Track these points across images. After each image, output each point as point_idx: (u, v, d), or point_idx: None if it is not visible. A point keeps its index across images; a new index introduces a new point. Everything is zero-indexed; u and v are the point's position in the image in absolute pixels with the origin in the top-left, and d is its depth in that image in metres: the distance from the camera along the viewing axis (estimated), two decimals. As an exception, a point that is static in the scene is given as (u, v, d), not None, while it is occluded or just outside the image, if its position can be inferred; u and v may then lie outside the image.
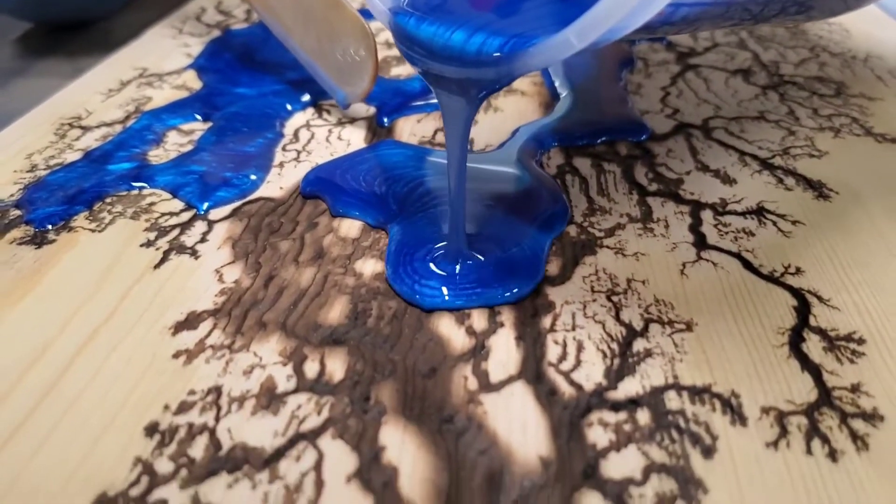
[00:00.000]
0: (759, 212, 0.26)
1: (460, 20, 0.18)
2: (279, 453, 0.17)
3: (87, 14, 0.46)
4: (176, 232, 0.24)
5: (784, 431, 0.17)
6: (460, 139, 0.20)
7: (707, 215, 0.25)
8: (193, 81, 0.35)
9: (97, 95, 0.34)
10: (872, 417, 0.18)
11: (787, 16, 0.22)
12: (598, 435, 0.17)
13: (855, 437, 0.17)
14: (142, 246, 0.24)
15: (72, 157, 0.29)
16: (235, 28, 0.42)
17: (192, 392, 0.18)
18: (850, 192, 0.27)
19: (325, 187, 0.26)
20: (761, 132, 0.31)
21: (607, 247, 0.24)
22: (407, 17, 0.19)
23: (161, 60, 0.38)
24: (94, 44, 0.45)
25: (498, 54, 0.17)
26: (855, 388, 0.18)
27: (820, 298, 0.21)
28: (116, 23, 0.50)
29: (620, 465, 0.16)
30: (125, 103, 0.33)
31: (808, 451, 0.17)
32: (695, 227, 0.25)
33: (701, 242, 0.24)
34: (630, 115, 0.32)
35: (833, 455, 0.17)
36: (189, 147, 0.30)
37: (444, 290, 0.21)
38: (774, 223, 0.25)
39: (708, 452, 0.17)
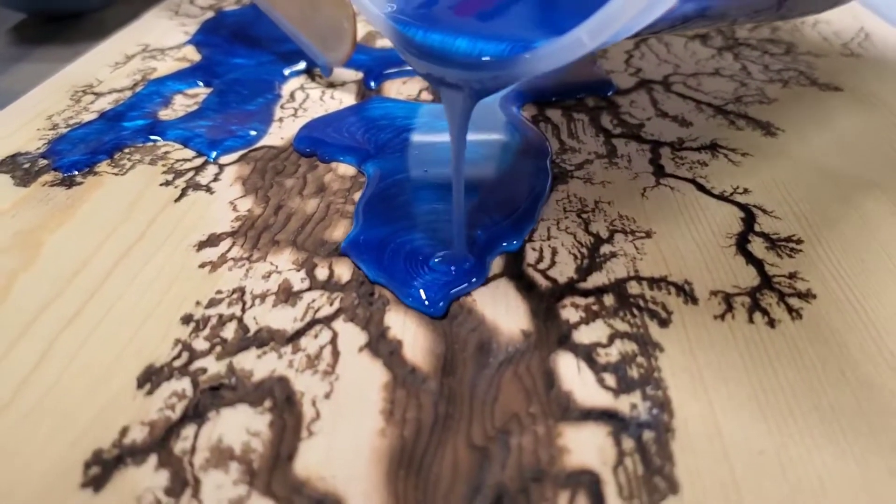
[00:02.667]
0: (713, 147, 0.29)
1: (466, 28, 0.18)
2: (299, 333, 0.20)
3: (80, 5, 0.48)
4: (191, 174, 0.27)
5: (730, 307, 0.20)
6: (461, 129, 0.21)
7: (665, 151, 0.28)
8: (193, 54, 0.38)
9: (105, 67, 0.36)
10: (806, 296, 0.21)
11: (772, 15, 0.24)
12: (570, 314, 0.20)
13: (791, 310, 0.20)
14: (161, 185, 0.27)
15: (88, 117, 0.31)
16: (228, 9, 0.45)
17: (219, 292, 0.21)
18: (794, 129, 0.30)
19: (313, 143, 0.29)
20: (716, 85, 0.34)
21: (577, 177, 0.27)
22: (412, 27, 0.19)
23: (161, 37, 0.40)
24: (90, 32, 0.48)
25: (503, 59, 0.17)
26: (792, 276, 0.22)
27: (764, 211, 0.25)
28: (108, 13, 0.52)
29: (590, 333, 0.19)
30: (132, 73, 0.36)
31: (751, 320, 0.20)
32: (654, 161, 0.28)
33: (659, 172, 0.27)
34: (597, 73, 0.35)
35: (772, 323, 0.20)
36: (195, 107, 0.32)
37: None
38: (726, 155, 0.28)
39: (664, 323, 0.20)
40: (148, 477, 0.16)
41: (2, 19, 0.50)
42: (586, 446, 0.16)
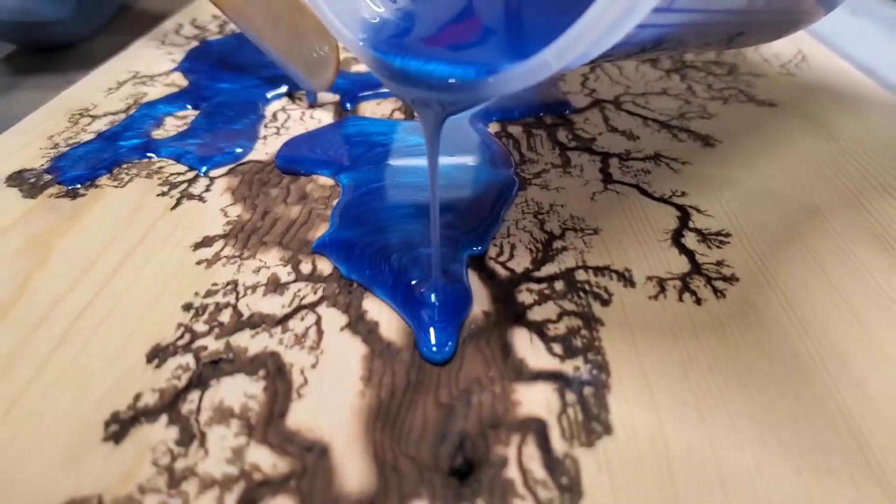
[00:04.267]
0: (656, 157, 0.32)
1: (438, 55, 0.20)
2: (287, 317, 0.22)
3: (69, 36, 0.51)
4: (184, 185, 0.30)
5: (663, 289, 0.23)
6: (433, 143, 0.22)
7: (614, 161, 0.32)
8: (181, 80, 0.41)
9: (99, 93, 0.39)
10: (730, 279, 0.24)
11: (722, 46, 0.26)
12: (525, 297, 0.23)
13: (716, 291, 0.23)
14: (158, 195, 0.29)
15: (87, 137, 0.34)
16: (212, 39, 0.48)
17: (214, 284, 0.24)
18: (731, 140, 0.33)
19: (293, 161, 0.32)
20: (663, 103, 0.38)
21: (535, 184, 0.30)
22: (390, 54, 0.20)
23: (150, 65, 0.43)
24: (80, 61, 0.50)
25: (472, 81, 0.18)
26: (719, 263, 0.25)
27: (698, 210, 0.28)
28: (96, 43, 0.55)
29: (541, 312, 0.22)
30: (125, 98, 0.39)
31: (681, 299, 0.23)
32: (604, 170, 0.31)
33: (608, 179, 0.30)
34: (556, 95, 0.39)
35: (699, 302, 0.23)
36: (185, 127, 0.35)
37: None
38: (667, 164, 0.31)
39: (605, 303, 0.23)
40: (160, 432, 0.18)
41: (-7, 51, 0.53)
42: (536, 400, 0.19)
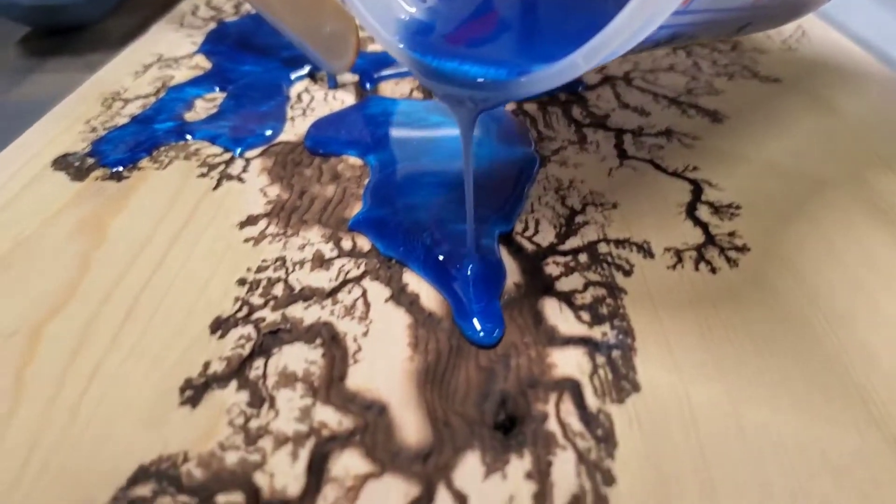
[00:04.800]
0: (668, 133, 0.34)
1: (472, 54, 0.21)
2: (335, 290, 0.24)
3: (84, 18, 0.52)
4: (223, 167, 0.32)
5: (680, 260, 0.25)
6: (468, 138, 0.23)
7: (628, 137, 0.33)
8: (204, 62, 0.43)
9: (127, 76, 0.41)
10: (741, 249, 0.26)
11: (732, 36, 0.27)
12: (552, 269, 0.25)
13: (729, 260, 0.25)
14: (199, 177, 0.31)
15: (122, 120, 0.36)
16: (229, 20, 0.49)
17: (264, 260, 0.26)
18: (738, 116, 0.35)
19: (321, 143, 0.34)
20: (670, 79, 0.39)
21: (554, 161, 0.32)
22: (426, 55, 0.22)
23: (172, 48, 0.45)
24: (96, 43, 0.52)
25: (505, 81, 0.20)
26: (731, 234, 0.27)
27: (710, 184, 0.30)
28: (110, 24, 0.56)
29: (568, 283, 0.24)
30: (153, 81, 0.40)
31: (696, 269, 0.25)
32: (618, 146, 0.33)
33: (623, 155, 0.32)
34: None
35: (713, 270, 0.25)
36: (215, 110, 0.37)
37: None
38: (679, 139, 0.33)
39: (627, 273, 0.25)
40: (232, 396, 0.20)
41: (7, 32, 0.54)
42: (569, 362, 0.21)
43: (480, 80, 0.21)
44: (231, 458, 0.19)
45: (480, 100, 0.21)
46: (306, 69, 0.41)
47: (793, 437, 0.19)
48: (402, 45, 0.22)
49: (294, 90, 0.39)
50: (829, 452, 0.18)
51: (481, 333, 0.22)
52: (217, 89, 0.39)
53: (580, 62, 0.17)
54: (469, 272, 0.24)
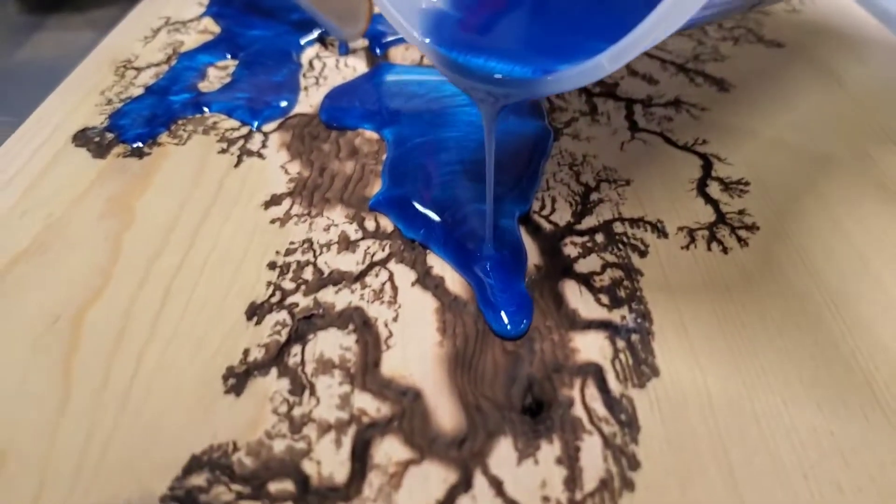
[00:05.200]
0: (676, 103, 0.34)
1: (498, 51, 0.22)
2: (363, 273, 0.25)
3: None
4: (242, 142, 0.32)
5: (692, 240, 0.26)
6: (490, 131, 0.24)
7: (638, 108, 0.34)
8: (213, 26, 0.43)
9: (137, 42, 0.41)
10: (751, 228, 0.27)
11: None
12: (570, 250, 0.26)
13: (739, 239, 0.26)
14: (219, 153, 0.32)
15: (136, 91, 0.36)
16: (232, -22, 0.49)
17: (292, 242, 0.27)
18: (744, 85, 0.36)
19: (335, 117, 0.34)
20: (677, 44, 0.40)
21: (567, 134, 0.32)
22: (453, 51, 0.22)
23: (179, 10, 0.45)
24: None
25: (530, 79, 0.20)
26: (741, 212, 0.28)
27: (719, 158, 0.30)
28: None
29: (587, 265, 0.25)
30: (163, 47, 0.40)
31: (709, 249, 0.26)
32: (629, 117, 0.34)
33: (634, 127, 0.33)
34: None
35: (725, 250, 0.26)
36: (228, 79, 0.37)
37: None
38: (688, 110, 0.34)
39: (643, 254, 0.26)
40: (274, 384, 0.22)
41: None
42: (591, 347, 0.22)
43: (505, 77, 0.21)
44: (279, 447, 0.20)
45: (502, 95, 0.22)
46: (316, 33, 0.41)
47: (803, 421, 0.20)
48: (428, 41, 0.23)
49: (305, 56, 0.40)
50: (837, 435, 0.20)
51: (508, 326, 0.23)
52: (228, 56, 0.39)
53: (605, 64, 0.18)
54: (488, 268, 0.25)
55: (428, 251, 0.26)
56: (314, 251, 0.26)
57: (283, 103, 0.35)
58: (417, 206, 0.28)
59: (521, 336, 0.23)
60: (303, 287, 0.25)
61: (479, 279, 0.25)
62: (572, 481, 0.19)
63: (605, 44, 0.18)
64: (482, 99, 0.22)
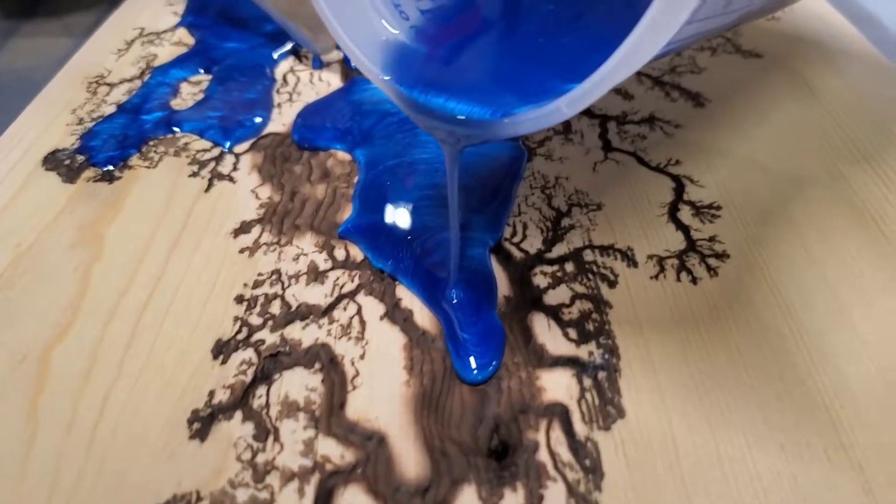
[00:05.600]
0: (651, 120, 0.34)
1: (458, 90, 0.21)
2: (331, 307, 0.25)
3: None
4: (213, 164, 0.32)
5: (662, 269, 0.26)
6: (452, 171, 0.23)
7: (612, 125, 0.34)
8: (187, 38, 0.42)
9: (110, 55, 0.40)
10: (721, 256, 0.27)
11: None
12: (540, 280, 0.26)
13: (709, 269, 0.26)
14: (190, 176, 0.31)
15: (108, 109, 0.36)
16: (208, -15, 0.49)
17: (260, 274, 0.27)
18: (720, 99, 0.36)
19: (307, 138, 0.34)
20: (654, 56, 0.39)
21: (540, 154, 0.32)
22: (413, 90, 0.22)
23: (154, 20, 0.44)
24: (72, 2, 0.51)
25: (489, 120, 0.20)
26: (712, 239, 0.27)
27: (691, 180, 0.30)
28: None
29: (556, 296, 0.25)
30: (136, 61, 0.40)
31: (678, 279, 0.26)
32: (603, 135, 0.33)
33: (607, 146, 0.33)
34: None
35: (694, 281, 0.26)
36: (201, 96, 0.37)
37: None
38: (661, 128, 0.34)
39: (612, 284, 0.26)
40: (238, 429, 0.22)
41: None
42: (557, 386, 0.22)
43: (464, 117, 0.21)
44: (242, 497, 0.20)
45: (463, 136, 0.22)
46: (290, 45, 0.41)
47: (767, 465, 0.20)
48: (387, 78, 0.22)
49: (279, 70, 0.39)
50: (799, 479, 0.20)
51: (475, 371, 0.23)
52: (202, 71, 0.39)
53: (564, 109, 0.18)
54: (455, 303, 0.25)
55: (397, 283, 0.26)
56: (282, 283, 0.26)
57: (258, 119, 0.35)
58: (386, 234, 0.28)
59: (487, 380, 0.23)
60: (270, 322, 0.25)
61: (447, 314, 0.24)
62: (535, 531, 0.19)
63: (570, 83, 0.17)
64: (443, 139, 0.22)
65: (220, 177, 0.31)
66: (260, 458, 0.21)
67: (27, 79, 0.41)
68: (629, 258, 0.27)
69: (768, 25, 0.42)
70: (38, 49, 0.48)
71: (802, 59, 0.38)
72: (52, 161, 0.32)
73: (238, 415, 0.22)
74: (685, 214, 0.29)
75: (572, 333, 0.24)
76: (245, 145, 0.33)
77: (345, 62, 0.40)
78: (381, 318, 0.25)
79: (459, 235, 0.25)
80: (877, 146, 0.31)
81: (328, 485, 0.20)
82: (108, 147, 0.33)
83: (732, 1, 0.19)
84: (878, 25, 0.43)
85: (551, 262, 0.27)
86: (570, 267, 0.26)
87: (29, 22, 0.51)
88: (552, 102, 0.18)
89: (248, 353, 0.24)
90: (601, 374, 0.23)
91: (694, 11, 0.14)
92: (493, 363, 0.23)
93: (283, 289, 0.26)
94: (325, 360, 0.23)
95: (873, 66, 0.37)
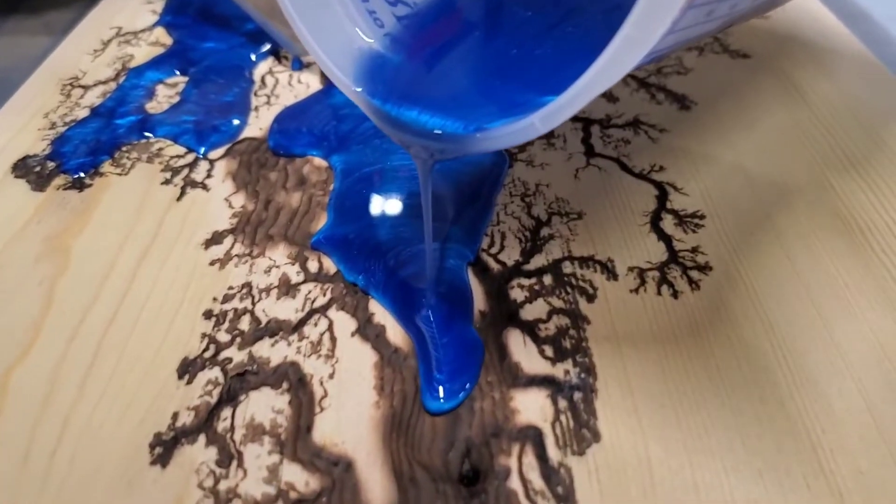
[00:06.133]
0: (635, 123, 0.34)
1: (432, 103, 0.21)
2: (302, 322, 0.25)
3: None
4: (186, 171, 0.31)
5: (643, 282, 0.26)
6: (425, 184, 0.23)
7: (595, 129, 0.33)
8: (165, 38, 0.41)
9: (85, 56, 0.40)
10: (704, 268, 0.26)
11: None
12: (517, 293, 0.25)
13: (691, 281, 0.26)
14: (162, 184, 0.31)
15: (81, 113, 0.35)
16: (189, -18, 0.48)
17: (230, 287, 0.26)
18: (706, 102, 0.35)
19: (283, 144, 0.33)
20: (641, 56, 0.39)
21: (521, 160, 0.31)
22: (387, 102, 0.21)
23: (132, 19, 0.43)
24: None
25: (462, 135, 0.19)
26: (694, 250, 0.27)
27: (675, 188, 0.30)
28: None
29: (532, 311, 0.25)
30: (112, 62, 0.39)
31: (659, 293, 0.25)
32: (585, 140, 0.33)
33: (590, 152, 0.32)
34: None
35: (675, 295, 0.25)
36: (177, 98, 0.36)
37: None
38: (646, 132, 0.33)
39: (591, 299, 0.25)
40: (201, 453, 0.21)
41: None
42: (531, 407, 0.22)
43: (438, 132, 0.20)
44: (202, 527, 0.19)
45: (437, 150, 0.21)
46: (269, 46, 0.40)
47: (744, 493, 0.19)
48: (360, 90, 0.22)
49: (258, 72, 0.38)
50: (778, 507, 0.19)
51: (442, 400, 0.22)
52: (178, 73, 0.38)
53: (538, 125, 0.17)
54: (431, 319, 0.25)
55: (370, 297, 0.25)
56: (252, 297, 0.25)
57: (235, 122, 0.34)
58: (359, 245, 0.27)
59: (455, 408, 0.22)
60: (238, 339, 0.24)
61: (420, 332, 0.24)
62: (503, 564, 0.18)
63: (547, 96, 0.17)
64: (416, 154, 0.21)
65: (194, 184, 0.31)
66: (222, 486, 0.20)
67: (4, 80, 0.40)
68: (609, 270, 0.26)
69: (758, 24, 0.41)
70: (16, 47, 0.47)
71: (792, 60, 0.38)
72: (23, 168, 0.31)
73: (202, 438, 0.21)
74: (668, 224, 0.28)
75: (548, 351, 0.23)
76: (220, 151, 0.33)
77: (325, 63, 0.39)
78: (353, 335, 0.24)
79: (435, 247, 0.24)
80: (865, 153, 0.31)
81: (291, 514, 0.19)
82: (80, 153, 0.32)
83: (715, 10, 0.18)
84: (869, 22, 0.42)
85: (529, 275, 0.26)
86: (548, 279, 0.26)
87: (8, 20, 0.50)
88: (526, 118, 0.17)
89: (215, 373, 0.23)
90: (577, 395, 0.22)
91: (673, 23, 0.14)
92: (467, 386, 0.22)
93: (254, 303, 0.25)
94: (293, 380, 0.23)
95: (864, 69, 0.36)
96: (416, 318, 0.24)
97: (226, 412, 0.22)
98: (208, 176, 0.31)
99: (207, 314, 0.25)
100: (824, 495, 0.19)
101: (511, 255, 0.27)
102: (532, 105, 0.17)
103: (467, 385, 0.22)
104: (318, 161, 0.32)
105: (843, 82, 0.36)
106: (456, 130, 0.20)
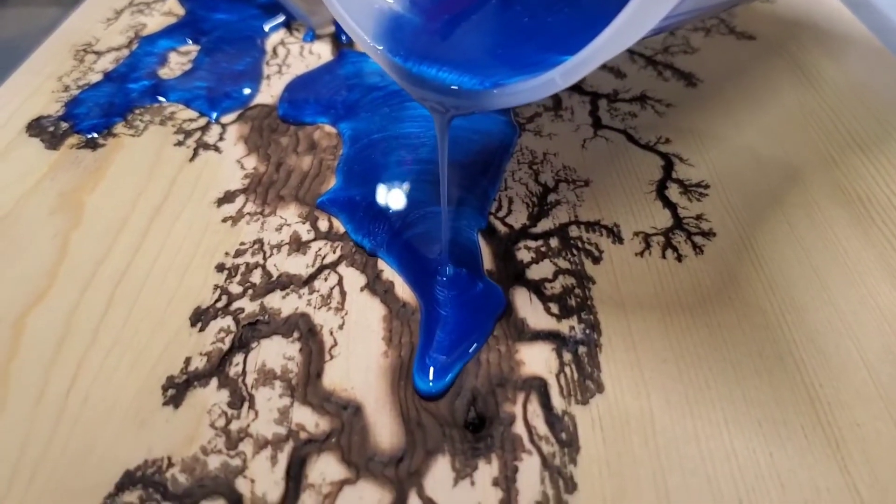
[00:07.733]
0: (642, 98, 0.34)
1: (451, 60, 0.21)
2: (312, 277, 0.25)
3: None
4: (199, 134, 0.32)
5: (648, 246, 0.26)
6: (443, 140, 0.23)
7: (603, 103, 0.34)
8: (177, 8, 0.42)
9: (99, 24, 0.40)
10: (707, 234, 0.27)
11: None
12: (523, 255, 0.26)
13: (695, 246, 0.26)
14: (175, 145, 0.31)
15: (95, 77, 0.35)
16: (201, -44, 0.48)
17: (242, 243, 0.26)
18: (712, 80, 0.35)
19: (293, 113, 0.33)
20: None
21: (529, 130, 0.32)
22: (408, 60, 0.21)
23: (144, -11, 0.44)
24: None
25: (479, 91, 0.20)
26: (699, 217, 0.27)
27: (681, 159, 0.30)
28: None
29: (539, 271, 0.25)
30: (125, 30, 0.39)
31: (663, 256, 0.26)
32: (593, 112, 0.33)
33: (597, 124, 0.32)
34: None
35: (679, 258, 0.26)
36: (189, 66, 0.37)
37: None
38: (652, 106, 0.33)
39: (596, 261, 0.25)
40: (213, 395, 0.21)
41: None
42: (537, 360, 0.22)
43: (455, 87, 0.21)
44: (213, 463, 0.20)
45: (453, 106, 0.21)
46: (282, 17, 0.41)
47: (743, 442, 0.20)
48: (381, 48, 0.22)
49: (270, 42, 0.39)
50: (776, 455, 0.20)
51: (431, 384, 0.22)
52: (190, 42, 0.39)
53: (558, 80, 0.17)
54: (444, 280, 0.25)
55: (380, 255, 0.26)
56: (264, 252, 0.26)
57: (246, 90, 0.35)
58: (365, 207, 0.27)
59: (444, 392, 0.22)
60: (250, 291, 0.24)
61: (426, 294, 0.24)
62: None
63: (563, 56, 0.17)
64: (433, 108, 0.22)
65: (206, 146, 0.31)
66: (234, 426, 0.20)
67: (14, 47, 0.40)
68: (615, 234, 0.26)
69: (763, 7, 0.41)
70: (27, 17, 0.47)
71: (796, 42, 0.38)
72: (36, 127, 0.32)
73: (214, 382, 0.22)
74: (673, 192, 0.28)
75: (554, 308, 0.24)
76: (232, 116, 0.33)
77: (336, 36, 0.39)
78: (362, 290, 0.25)
79: (449, 210, 0.24)
80: (868, 131, 0.31)
81: (302, 453, 0.20)
82: (93, 115, 0.33)
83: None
84: (873, 10, 0.43)
85: (536, 237, 0.26)
86: (554, 242, 0.26)
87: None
88: (546, 73, 0.17)
89: (227, 322, 0.23)
90: (581, 349, 0.22)
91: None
92: (452, 372, 0.22)
93: (265, 258, 0.26)
94: (303, 330, 0.23)
95: (868, 51, 0.37)
96: (425, 279, 0.25)
97: (238, 358, 0.22)
98: (220, 139, 0.31)
99: (220, 267, 0.25)
100: (821, 445, 0.20)
101: (518, 219, 0.27)
102: (548, 65, 0.17)
103: (451, 373, 0.22)
104: (329, 128, 0.32)
105: (847, 64, 0.36)
106: (474, 86, 0.20)
